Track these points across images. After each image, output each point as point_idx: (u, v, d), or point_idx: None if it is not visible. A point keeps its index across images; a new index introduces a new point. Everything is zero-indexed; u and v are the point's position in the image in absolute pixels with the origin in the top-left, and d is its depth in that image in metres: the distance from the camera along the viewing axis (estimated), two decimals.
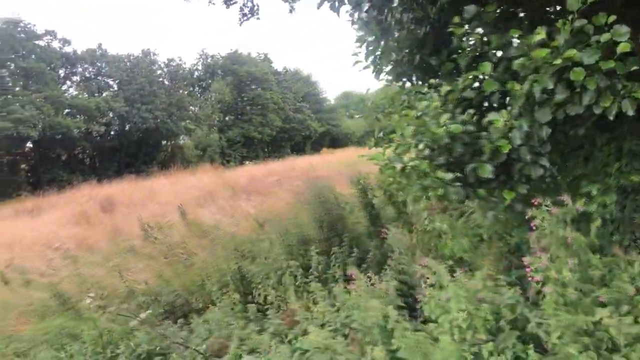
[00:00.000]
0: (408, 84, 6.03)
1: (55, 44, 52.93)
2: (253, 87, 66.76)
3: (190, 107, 62.62)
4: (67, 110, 50.13)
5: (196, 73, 69.17)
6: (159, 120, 54.14)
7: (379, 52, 5.73)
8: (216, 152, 59.95)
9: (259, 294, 6.34)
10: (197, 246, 9.40)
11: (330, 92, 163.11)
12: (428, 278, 3.89)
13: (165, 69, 61.50)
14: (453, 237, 5.36)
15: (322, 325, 3.95)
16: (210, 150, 59.49)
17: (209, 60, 69.13)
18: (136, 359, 5.13)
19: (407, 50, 5.37)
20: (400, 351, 3.07)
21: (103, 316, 4.43)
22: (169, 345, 5.53)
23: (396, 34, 5.38)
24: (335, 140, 75.32)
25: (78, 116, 50.69)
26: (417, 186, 4.64)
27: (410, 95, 6.36)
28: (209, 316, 5.96)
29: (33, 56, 48.66)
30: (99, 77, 56.45)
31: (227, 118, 67.14)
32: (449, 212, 6.66)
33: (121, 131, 55.04)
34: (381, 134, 5.63)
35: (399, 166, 4.59)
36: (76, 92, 54.13)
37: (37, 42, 50.13)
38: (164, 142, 59.89)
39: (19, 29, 48.19)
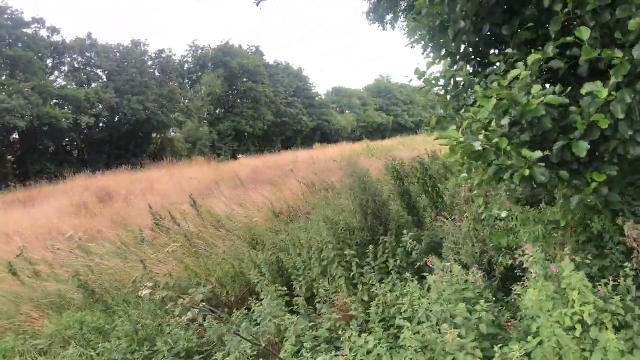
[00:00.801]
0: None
1: (44, 33, 51.34)
2: (245, 80, 65.74)
3: (182, 99, 61.64)
4: (55, 101, 48.70)
5: (186, 65, 68.02)
6: (149, 112, 53.02)
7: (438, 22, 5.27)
8: (207, 146, 59.06)
9: (301, 287, 5.84)
10: (215, 237, 8.86)
11: (324, 88, 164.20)
12: (529, 268, 3.43)
13: (156, 60, 60.32)
14: (523, 224, 4.90)
15: (411, 320, 3.46)
16: (201, 144, 58.60)
17: (199, 52, 67.95)
18: (175, 357, 4.62)
19: (474, 19, 4.91)
20: (537, 350, 2.58)
21: (176, 308, 3.90)
22: (207, 342, 5.03)
23: (463, 2, 4.91)
24: (326, 136, 74.73)
25: (66, 107, 49.25)
26: (494, 168, 4.17)
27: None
28: (248, 310, 5.43)
29: (20, 44, 47.16)
30: (89, 68, 55.07)
31: (217, 111, 66.18)
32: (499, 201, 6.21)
33: (111, 123, 53.74)
34: (442, 112, 5.13)
35: (477, 145, 4.10)
36: (65, 83, 52.73)
37: (24, 30, 48.47)
38: (154, 135, 58.81)
39: (6, 16, 46.59)
